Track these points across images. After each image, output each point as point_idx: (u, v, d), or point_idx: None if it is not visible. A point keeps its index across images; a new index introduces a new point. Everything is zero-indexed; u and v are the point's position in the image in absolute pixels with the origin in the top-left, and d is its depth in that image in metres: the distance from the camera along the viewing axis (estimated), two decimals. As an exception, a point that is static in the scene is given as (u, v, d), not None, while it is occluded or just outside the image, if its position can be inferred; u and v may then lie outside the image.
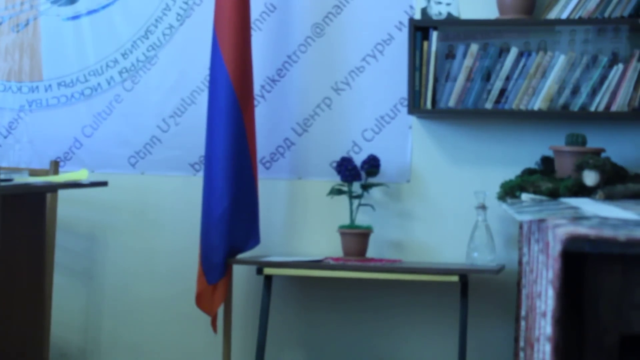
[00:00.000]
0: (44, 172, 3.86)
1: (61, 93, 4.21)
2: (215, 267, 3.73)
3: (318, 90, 3.99)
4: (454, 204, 3.86)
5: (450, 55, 3.75)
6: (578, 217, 2.29)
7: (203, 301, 3.77)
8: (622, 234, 1.88)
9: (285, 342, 4.01)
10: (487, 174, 3.80)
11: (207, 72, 3.92)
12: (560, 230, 1.97)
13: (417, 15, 3.87)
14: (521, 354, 2.94)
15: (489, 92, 3.70)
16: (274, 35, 4.02)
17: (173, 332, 4.09)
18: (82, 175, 3.54)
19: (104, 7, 4.19)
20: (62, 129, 4.19)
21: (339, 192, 3.83)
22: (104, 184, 3.57)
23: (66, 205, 4.06)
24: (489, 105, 3.70)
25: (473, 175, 3.84)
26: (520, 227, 3.47)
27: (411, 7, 3.90)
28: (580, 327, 2.01)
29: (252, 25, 3.91)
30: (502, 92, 3.69)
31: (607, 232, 1.91)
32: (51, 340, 3.92)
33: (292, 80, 4.01)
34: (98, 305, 4.16)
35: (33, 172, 3.76)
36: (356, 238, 3.79)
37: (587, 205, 2.70)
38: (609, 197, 2.99)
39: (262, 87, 4.01)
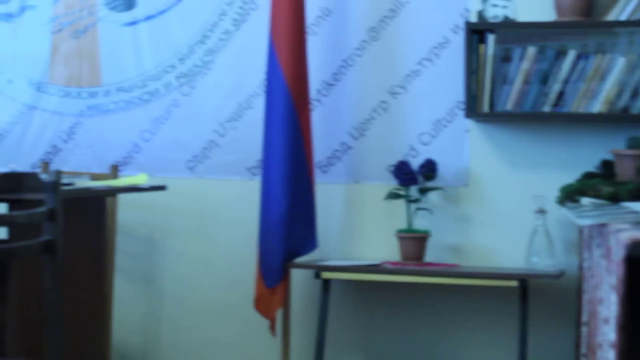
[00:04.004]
0: (104, 177, 3.91)
1: (120, 98, 4.27)
2: (274, 271, 3.75)
3: (374, 93, 3.99)
4: (512, 208, 3.83)
5: (507, 58, 3.72)
6: (641, 222, 2.27)
7: (261, 305, 3.79)
8: (688, 240, 1.86)
9: (344, 346, 4.01)
10: (546, 177, 3.77)
11: (263, 76, 3.94)
12: (623, 235, 1.95)
13: (474, 18, 3.85)
14: (582, 360, 2.92)
15: (547, 95, 3.67)
16: (330, 39, 4.03)
17: (231, 336, 4.11)
18: (141, 179, 3.58)
19: (161, 13, 4.23)
20: (121, 133, 4.24)
21: (396, 196, 3.83)
22: (162, 188, 3.61)
23: (125, 209, 4.10)
24: (547, 108, 3.67)
25: (532, 179, 3.81)
26: (581, 231, 3.43)
27: (467, 10, 3.89)
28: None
29: (308, 30, 3.91)
30: (560, 95, 3.66)
31: (673, 238, 1.88)
32: (112, 343, 3.97)
33: (348, 84, 4.01)
34: (158, 307, 4.20)
35: (93, 177, 3.80)
36: (414, 242, 3.78)
37: (650, 210, 2.67)
38: (672, 201, 2.96)
39: (319, 91, 4.02)
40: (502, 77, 3.71)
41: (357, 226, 4.00)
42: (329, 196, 4.00)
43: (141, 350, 4.22)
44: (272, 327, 3.83)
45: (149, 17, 4.25)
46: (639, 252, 1.92)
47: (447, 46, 3.92)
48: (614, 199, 3.07)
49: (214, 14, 4.17)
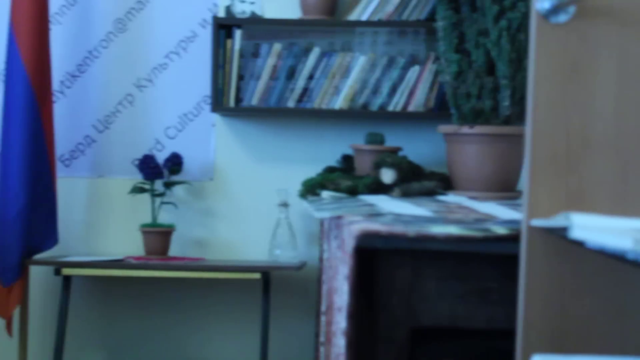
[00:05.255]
0: None
1: None
2: (11, 269, 3.61)
3: (120, 86, 3.92)
4: (257, 201, 3.88)
5: (256, 54, 3.76)
6: (373, 214, 2.35)
7: (-3, 305, 3.65)
8: (412, 230, 1.94)
9: (86, 343, 3.92)
10: (290, 171, 3.85)
11: (2, 66, 3.78)
12: (355, 227, 2.01)
13: (221, 13, 3.87)
14: (321, 349, 2.99)
15: (293, 90, 3.74)
16: (75, 29, 3.93)
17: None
18: None
19: None
20: None
21: (141, 190, 3.78)
22: None
23: None
24: (291, 103, 3.74)
25: (276, 173, 3.88)
26: (322, 224, 3.52)
27: (215, 4, 3.90)
28: (374, 321, 2.06)
29: (51, 19, 3.79)
30: (306, 91, 3.74)
31: (398, 228, 1.96)
32: None
33: (93, 76, 3.92)
34: None
35: None
36: (158, 237, 3.75)
37: (384, 203, 2.77)
38: (405, 195, 3.08)
39: (62, 82, 3.91)
40: (251, 73, 3.75)
41: (101, 221, 3.92)
42: (71, 191, 3.90)
43: None
44: (9, 328, 3.68)
45: None
46: (369, 243, 1.98)
47: (194, 40, 3.92)
48: (352, 192, 3.16)
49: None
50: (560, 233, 1.56)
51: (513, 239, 1.82)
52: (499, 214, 2.32)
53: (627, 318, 1.65)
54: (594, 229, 1.39)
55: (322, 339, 3.06)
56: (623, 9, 1.65)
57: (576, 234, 1.44)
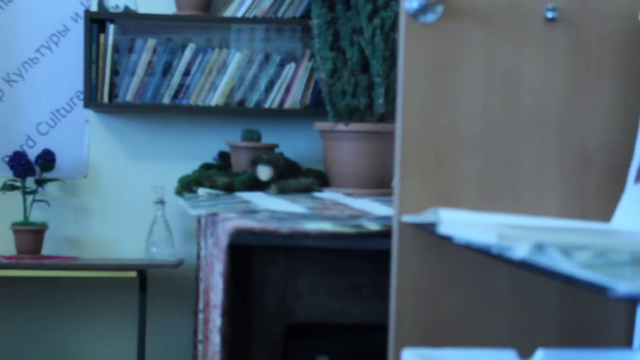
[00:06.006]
0: None
1: None
2: None
3: (-11, 81, 3.82)
4: (132, 198, 3.84)
5: (131, 49, 3.72)
6: (248, 211, 2.36)
7: None
8: (285, 227, 1.96)
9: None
10: (166, 168, 3.82)
11: None
12: (229, 224, 2.02)
13: (94, 7, 3.80)
14: (199, 347, 2.98)
15: (168, 86, 3.71)
16: (-59, 22, 3.81)
17: None
18: None
19: None
20: None
21: (12, 187, 3.70)
22: None
23: None
24: (167, 100, 3.71)
25: (152, 170, 3.85)
26: (199, 221, 3.51)
27: (88, -2, 3.84)
28: (248, 318, 2.07)
29: None
30: (182, 87, 3.72)
31: (272, 225, 1.97)
32: None
33: (-39, 70, 3.81)
34: None
35: None
36: (30, 235, 3.68)
37: (260, 199, 2.78)
38: (282, 191, 3.10)
39: None
40: (126, 68, 3.70)
41: (-31, 220, 3.82)
42: (-62, 189, 3.78)
43: None
44: None
45: None
46: (242, 240, 1.99)
47: (66, 34, 3.86)
48: (229, 189, 3.16)
49: None
50: (429, 228, 1.59)
51: (385, 234, 1.85)
52: (373, 210, 2.35)
53: (496, 310, 1.70)
54: (461, 224, 1.42)
55: (200, 337, 3.05)
56: (488, 9, 1.69)
57: (444, 229, 1.47)
